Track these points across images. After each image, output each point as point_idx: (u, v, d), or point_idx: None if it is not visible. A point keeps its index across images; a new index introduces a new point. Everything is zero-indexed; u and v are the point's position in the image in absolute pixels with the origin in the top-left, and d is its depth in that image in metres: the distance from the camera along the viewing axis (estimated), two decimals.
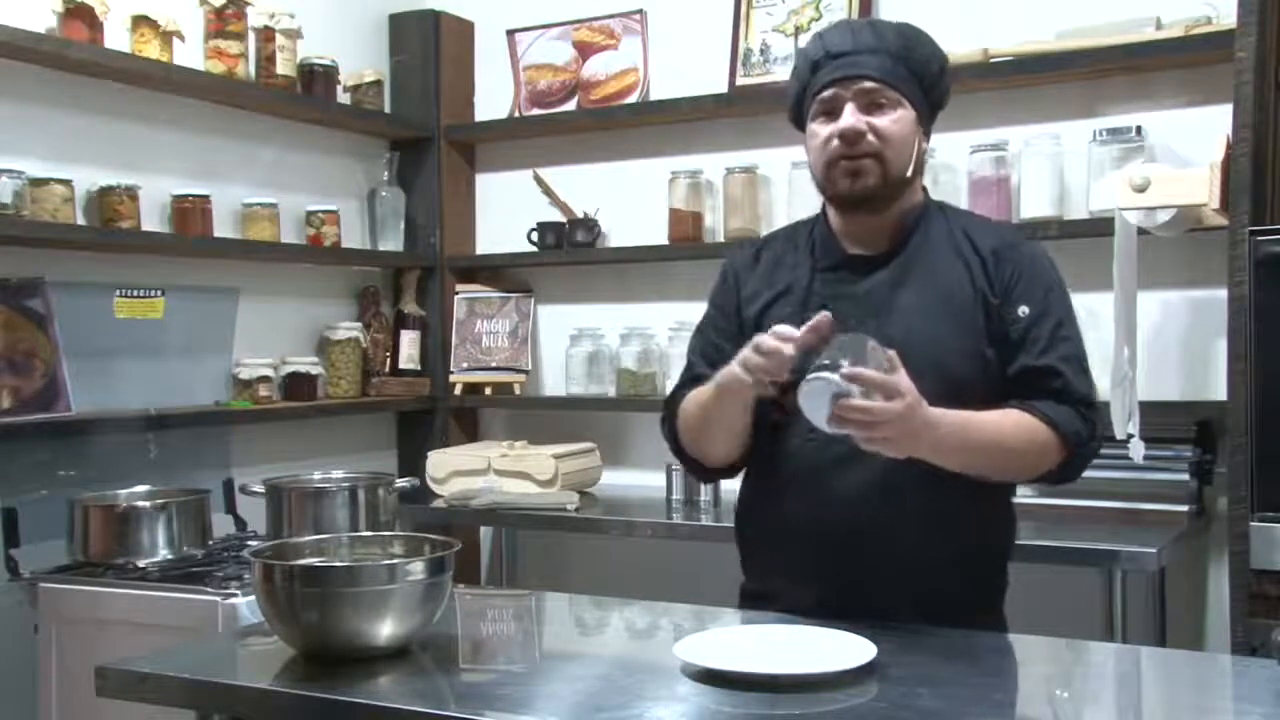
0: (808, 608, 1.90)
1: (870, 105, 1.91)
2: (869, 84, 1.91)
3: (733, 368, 1.83)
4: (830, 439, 1.78)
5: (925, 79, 1.96)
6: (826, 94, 1.93)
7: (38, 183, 2.77)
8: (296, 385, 3.40)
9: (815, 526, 1.94)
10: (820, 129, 1.95)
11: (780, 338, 1.76)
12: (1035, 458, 1.87)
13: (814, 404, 1.67)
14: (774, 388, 1.81)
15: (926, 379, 1.77)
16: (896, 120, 1.92)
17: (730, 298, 2.08)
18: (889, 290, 1.94)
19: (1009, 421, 1.85)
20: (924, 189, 2.05)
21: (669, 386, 2.17)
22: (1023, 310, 1.91)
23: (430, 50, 3.81)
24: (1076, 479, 1.95)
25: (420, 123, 3.80)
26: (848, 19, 2.08)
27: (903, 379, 1.68)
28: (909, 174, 1.95)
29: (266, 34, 3.30)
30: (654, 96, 3.61)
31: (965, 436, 1.80)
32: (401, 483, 2.94)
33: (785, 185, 3.36)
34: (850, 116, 1.91)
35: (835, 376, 1.64)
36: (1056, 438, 1.85)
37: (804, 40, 3.23)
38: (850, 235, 2.00)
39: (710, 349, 2.07)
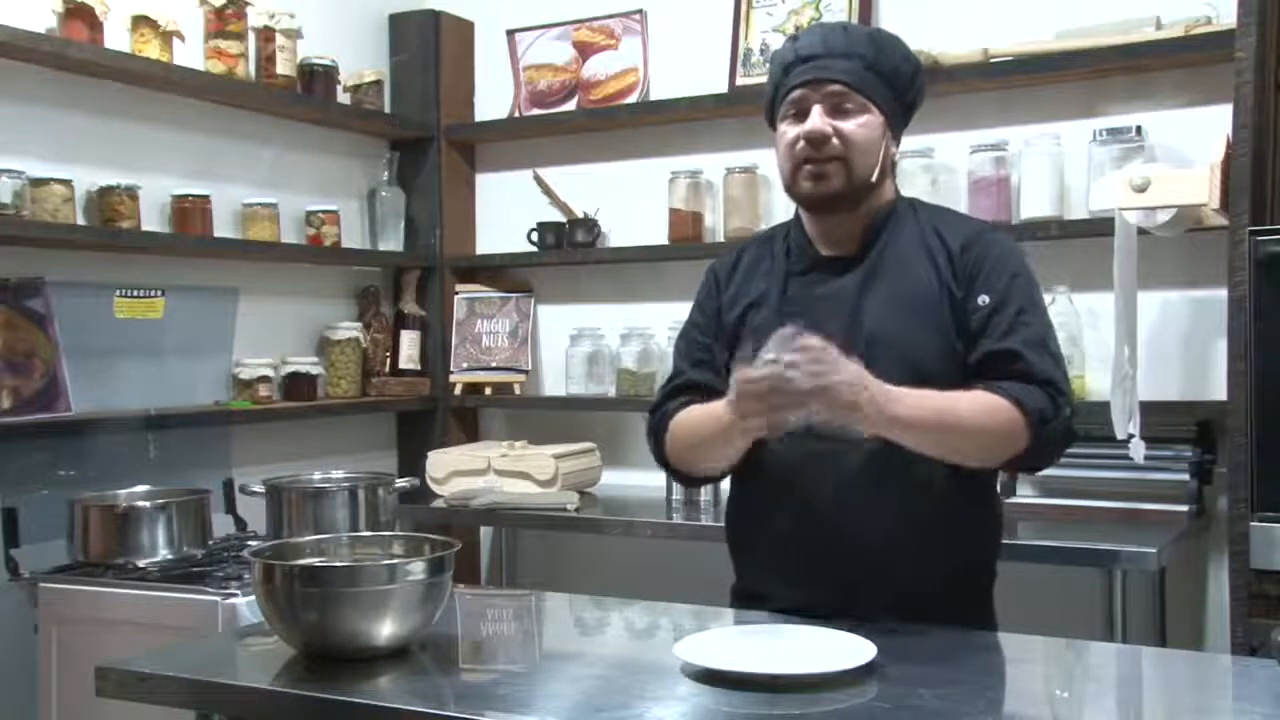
0: (795, 608, 1.91)
1: (837, 109, 1.93)
2: (836, 88, 1.92)
3: (735, 418, 1.83)
4: (810, 442, 1.82)
5: (897, 83, 1.97)
6: (795, 95, 1.95)
7: (38, 183, 2.77)
8: (296, 385, 3.40)
9: (798, 531, 1.95)
10: (788, 130, 1.96)
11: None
12: (998, 434, 1.84)
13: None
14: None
15: (896, 376, 1.80)
16: (863, 125, 1.93)
17: (713, 300, 2.10)
18: (858, 291, 1.95)
19: (969, 397, 1.84)
20: (896, 188, 2.06)
21: None
22: (982, 299, 1.91)
23: (430, 50, 3.81)
24: (1049, 464, 1.93)
25: (420, 123, 3.80)
26: (824, 22, 2.10)
27: (838, 353, 1.74)
28: (874, 178, 1.95)
29: (266, 34, 3.30)
30: (654, 96, 3.61)
31: (922, 407, 1.79)
32: (401, 483, 2.94)
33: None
34: (816, 119, 1.92)
35: (776, 368, 1.72)
36: (1020, 414, 1.82)
37: None
38: (822, 237, 2.02)
39: (697, 350, 2.09)
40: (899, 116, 1.99)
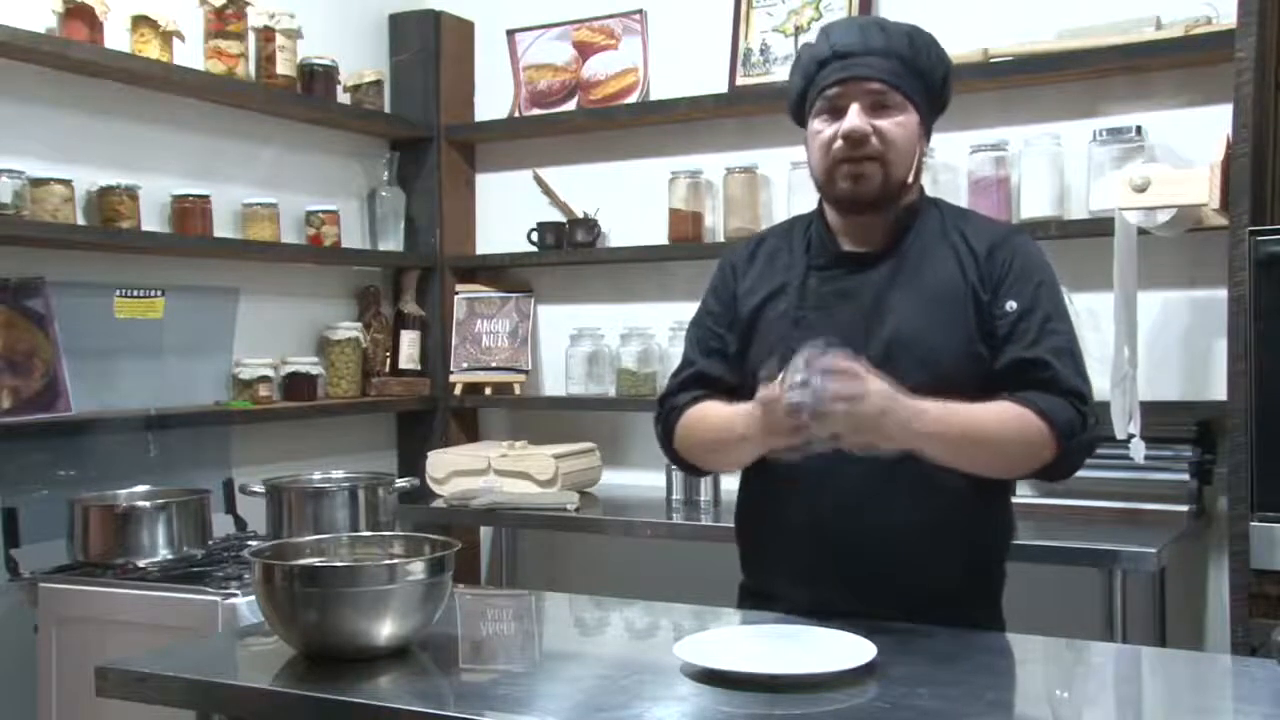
0: (805, 607, 1.91)
1: (875, 107, 1.90)
2: (875, 86, 1.90)
3: (760, 432, 1.82)
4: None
5: (931, 84, 1.95)
6: (832, 92, 1.92)
7: (38, 183, 2.77)
8: (296, 385, 3.40)
9: (811, 528, 1.94)
10: (823, 127, 1.94)
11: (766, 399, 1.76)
12: (1027, 448, 1.83)
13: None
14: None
15: (917, 376, 1.79)
16: (901, 124, 1.91)
17: (728, 288, 2.08)
18: (881, 288, 1.94)
19: (998, 410, 1.83)
20: (920, 185, 2.05)
21: None
22: (1010, 305, 1.90)
23: (430, 50, 3.81)
24: (1072, 474, 1.92)
25: (420, 123, 3.80)
26: (855, 16, 2.07)
27: (867, 373, 1.72)
28: (910, 179, 1.95)
29: (266, 34, 3.30)
30: (654, 96, 3.61)
31: (951, 424, 1.78)
32: (401, 483, 2.94)
33: (785, 185, 3.36)
34: (856, 117, 1.89)
35: (805, 395, 1.68)
36: (1048, 428, 1.81)
37: (804, 40, 3.24)
38: (845, 233, 2.01)
39: (709, 338, 2.07)
40: (931, 116, 1.99)
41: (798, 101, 2.01)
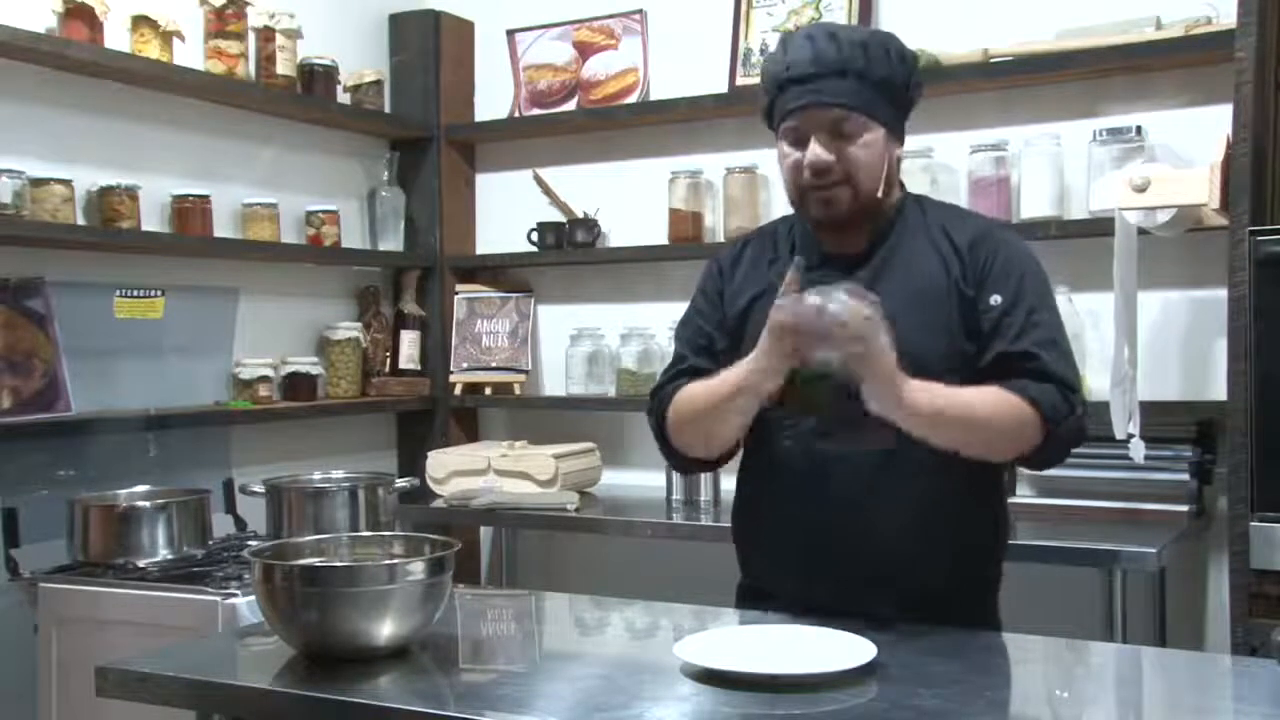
0: (801, 605, 1.91)
1: (836, 132, 1.90)
2: (834, 113, 1.89)
3: (757, 363, 1.83)
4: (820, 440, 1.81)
5: (893, 90, 1.93)
6: (792, 123, 1.92)
7: (38, 183, 2.77)
8: (296, 385, 3.40)
9: (806, 526, 1.95)
10: (790, 152, 1.94)
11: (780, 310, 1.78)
12: (1013, 431, 1.84)
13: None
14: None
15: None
16: (865, 145, 1.90)
17: (716, 289, 2.09)
18: (865, 289, 1.94)
19: (984, 392, 1.84)
20: (901, 184, 2.05)
21: None
22: (994, 299, 1.90)
23: (430, 50, 3.81)
24: (1059, 462, 1.93)
25: (420, 123, 3.80)
26: (807, 28, 2.04)
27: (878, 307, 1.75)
28: (881, 192, 1.94)
29: (266, 34, 3.30)
30: (654, 96, 3.61)
31: (936, 395, 1.79)
32: (401, 483, 2.94)
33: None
34: (817, 150, 1.90)
35: (829, 300, 1.74)
36: (1035, 412, 1.82)
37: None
38: (827, 235, 2.01)
39: (700, 337, 2.08)
40: (899, 119, 1.98)
41: (766, 112, 2.01)
